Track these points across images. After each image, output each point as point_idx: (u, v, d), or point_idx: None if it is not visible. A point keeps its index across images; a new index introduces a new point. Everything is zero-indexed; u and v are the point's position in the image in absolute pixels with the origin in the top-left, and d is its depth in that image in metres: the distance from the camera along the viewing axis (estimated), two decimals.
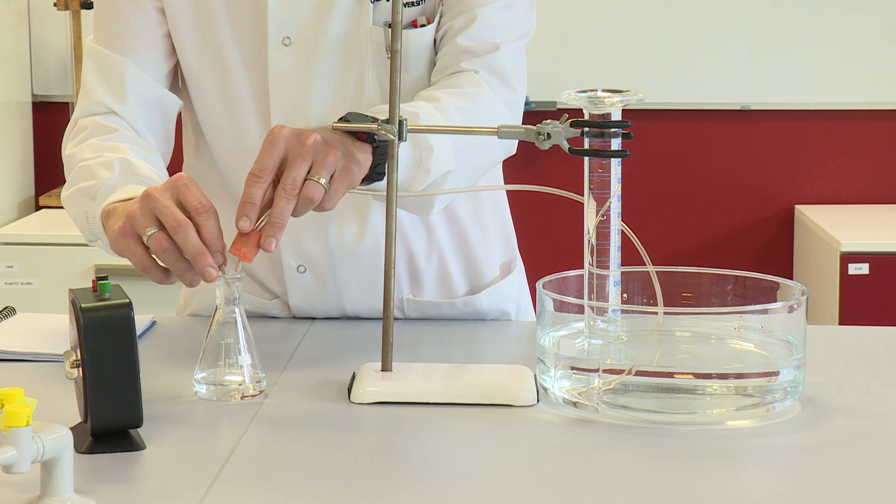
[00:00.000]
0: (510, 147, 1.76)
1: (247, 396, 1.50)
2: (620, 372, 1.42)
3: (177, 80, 1.84)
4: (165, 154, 1.82)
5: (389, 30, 1.74)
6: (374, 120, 1.55)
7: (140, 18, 1.78)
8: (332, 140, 1.51)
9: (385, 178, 1.55)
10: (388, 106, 1.61)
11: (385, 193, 1.56)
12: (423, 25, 1.75)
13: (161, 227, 1.46)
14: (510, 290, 1.91)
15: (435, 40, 1.77)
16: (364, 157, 1.54)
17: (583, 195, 1.47)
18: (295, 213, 1.48)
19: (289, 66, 1.75)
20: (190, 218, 1.46)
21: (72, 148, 1.75)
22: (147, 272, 1.49)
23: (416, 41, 1.75)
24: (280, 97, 1.76)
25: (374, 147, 1.54)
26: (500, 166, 1.94)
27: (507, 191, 1.97)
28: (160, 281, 1.50)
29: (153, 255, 1.49)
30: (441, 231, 1.86)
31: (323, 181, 1.47)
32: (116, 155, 1.67)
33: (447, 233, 1.87)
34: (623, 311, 1.48)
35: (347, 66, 1.75)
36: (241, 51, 1.77)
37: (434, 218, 1.85)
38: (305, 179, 1.47)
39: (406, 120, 1.51)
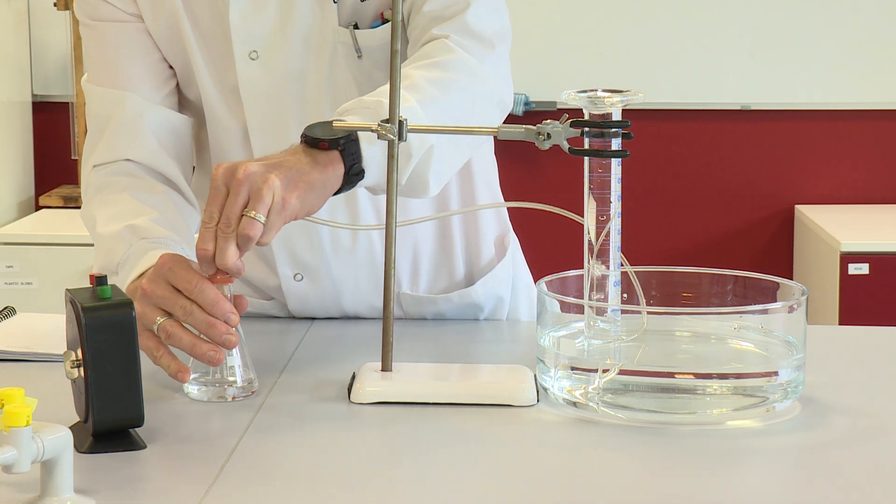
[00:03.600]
0: (503, 103, 1.70)
1: (238, 397, 1.50)
2: (620, 372, 1.42)
3: (181, 97, 1.84)
4: (188, 171, 1.82)
5: (356, 31, 1.72)
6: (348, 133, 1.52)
7: (132, 48, 1.78)
8: (274, 165, 1.48)
9: (365, 177, 1.53)
10: (352, 104, 1.57)
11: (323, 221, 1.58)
12: (387, 21, 1.71)
13: (166, 314, 1.48)
14: (504, 274, 1.90)
15: (403, 19, 1.73)
16: (330, 171, 1.50)
17: (582, 197, 1.47)
18: (240, 249, 1.45)
19: (259, 80, 1.74)
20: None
21: (86, 207, 1.78)
22: (159, 362, 1.49)
23: (382, 38, 1.72)
24: (255, 112, 1.75)
25: (340, 151, 1.51)
26: (495, 167, 1.93)
27: (502, 188, 1.96)
28: (173, 371, 1.48)
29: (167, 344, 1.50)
30: (432, 210, 1.85)
31: (260, 217, 1.44)
32: (124, 223, 1.68)
33: (437, 210, 1.86)
34: (623, 311, 1.48)
35: (319, 71, 1.74)
36: (211, 69, 1.76)
37: (425, 202, 1.83)
38: (243, 215, 1.45)
39: (406, 120, 1.50)
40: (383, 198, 1.58)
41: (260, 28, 1.73)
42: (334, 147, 1.51)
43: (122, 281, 1.62)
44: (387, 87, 1.57)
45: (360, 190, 1.74)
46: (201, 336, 1.47)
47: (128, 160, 1.78)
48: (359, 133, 1.53)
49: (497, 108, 1.70)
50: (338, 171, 1.51)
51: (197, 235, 1.50)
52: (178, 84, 1.82)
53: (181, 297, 1.48)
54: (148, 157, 1.78)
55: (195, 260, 1.50)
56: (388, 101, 1.55)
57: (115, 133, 1.78)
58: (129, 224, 1.67)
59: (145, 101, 1.78)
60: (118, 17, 1.77)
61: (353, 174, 1.52)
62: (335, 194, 1.53)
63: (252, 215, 1.44)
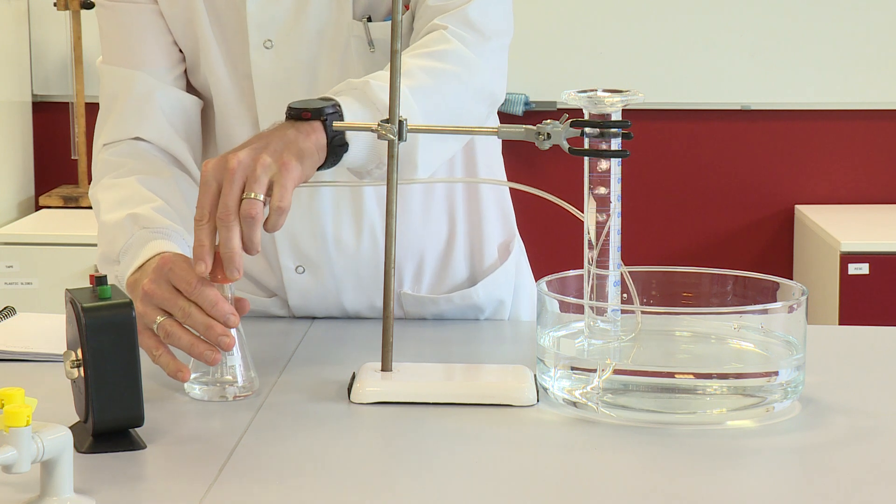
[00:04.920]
0: (493, 97, 1.70)
1: (239, 397, 1.50)
2: (620, 372, 1.42)
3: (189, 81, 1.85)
4: (197, 152, 1.83)
5: (370, 23, 1.73)
6: (327, 101, 1.52)
7: (146, 29, 1.79)
8: (261, 146, 1.48)
9: (349, 150, 1.53)
10: (341, 86, 1.58)
11: (329, 181, 1.57)
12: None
13: (167, 314, 1.49)
14: (505, 277, 1.91)
15: (412, 11, 1.74)
16: (314, 139, 1.50)
17: (583, 198, 1.47)
18: (245, 236, 1.45)
19: (272, 69, 1.75)
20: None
21: (93, 188, 1.79)
22: (158, 361, 1.49)
23: None
24: (266, 100, 1.76)
25: (322, 121, 1.51)
26: (501, 164, 1.94)
27: (504, 183, 1.96)
28: (173, 370, 1.48)
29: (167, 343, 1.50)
30: (438, 214, 1.86)
31: (260, 196, 1.44)
32: (126, 211, 1.68)
33: (444, 214, 1.86)
34: (623, 311, 1.48)
35: (331, 63, 1.75)
36: (225, 56, 1.77)
37: (428, 197, 1.83)
38: (242, 200, 1.45)
39: (406, 120, 1.50)
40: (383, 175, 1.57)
41: (275, 17, 1.74)
42: (317, 117, 1.51)
43: (122, 271, 1.62)
44: (381, 72, 1.58)
45: (365, 186, 1.75)
46: (200, 336, 1.47)
47: (137, 139, 1.79)
48: (343, 106, 1.53)
49: (486, 102, 1.71)
50: (320, 140, 1.51)
51: None
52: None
53: (181, 298, 1.48)
54: (158, 137, 1.78)
55: None
56: (375, 81, 1.56)
57: (126, 111, 1.79)
58: (131, 213, 1.67)
59: (156, 81, 1.79)
60: None
61: (336, 145, 1.52)
62: (321, 168, 1.53)
63: (252, 196, 1.45)
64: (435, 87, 1.62)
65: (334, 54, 1.75)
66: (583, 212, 1.48)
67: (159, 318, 1.48)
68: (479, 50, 1.69)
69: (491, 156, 1.91)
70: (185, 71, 1.83)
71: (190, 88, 1.85)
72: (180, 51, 1.82)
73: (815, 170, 4.11)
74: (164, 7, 1.79)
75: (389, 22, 1.73)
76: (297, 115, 1.52)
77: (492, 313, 1.89)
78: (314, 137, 1.51)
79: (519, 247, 1.96)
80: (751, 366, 1.49)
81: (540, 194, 1.55)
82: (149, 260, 1.58)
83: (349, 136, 1.54)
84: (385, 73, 1.58)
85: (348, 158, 1.55)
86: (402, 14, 1.60)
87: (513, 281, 1.92)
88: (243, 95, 1.78)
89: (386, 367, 1.51)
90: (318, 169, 1.53)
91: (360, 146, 1.55)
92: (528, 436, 1.39)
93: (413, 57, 1.65)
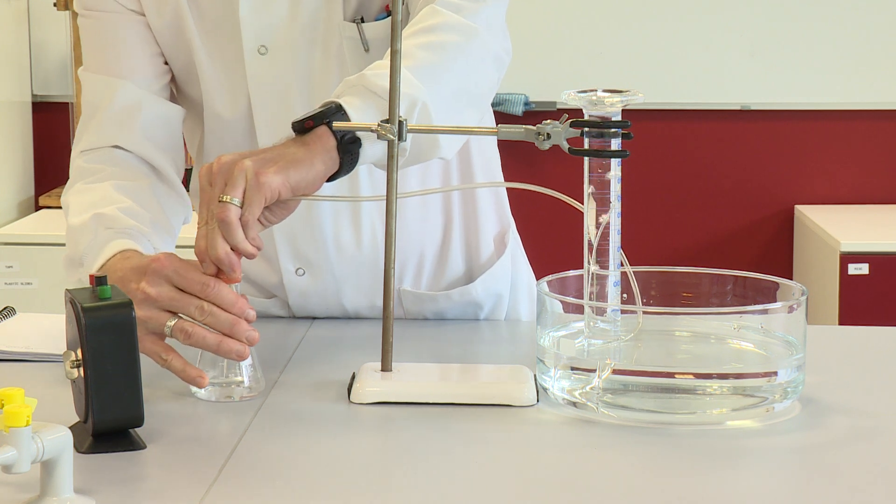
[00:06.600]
0: (499, 58, 1.67)
1: (245, 397, 1.50)
2: (620, 372, 1.42)
3: (181, 97, 1.84)
4: (179, 162, 1.81)
5: (363, 24, 1.72)
6: (328, 104, 1.50)
7: (128, 38, 1.78)
8: (249, 153, 1.46)
9: (363, 145, 1.50)
10: (339, 88, 1.55)
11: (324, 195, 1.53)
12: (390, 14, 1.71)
13: (175, 316, 1.46)
14: (503, 272, 1.90)
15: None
16: (321, 146, 1.47)
17: (583, 197, 1.47)
18: (227, 240, 1.43)
19: (268, 75, 1.74)
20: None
21: (65, 194, 1.78)
22: (169, 365, 1.46)
23: (387, 30, 1.71)
24: (262, 107, 1.75)
25: (327, 125, 1.48)
26: (499, 164, 1.94)
27: (503, 181, 1.96)
28: (192, 376, 1.45)
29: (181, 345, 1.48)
30: (434, 206, 1.85)
31: (234, 200, 1.43)
32: (92, 211, 1.66)
33: (440, 206, 1.86)
34: (623, 311, 1.48)
35: (326, 66, 1.74)
36: (217, 64, 1.76)
37: (426, 196, 1.83)
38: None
39: (406, 120, 1.50)
40: (383, 176, 1.56)
41: (269, 22, 1.73)
42: (320, 122, 1.49)
43: (85, 273, 1.59)
44: (376, 62, 1.56)
45: (360, 173, 1.74)
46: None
47: (115, 147, 1.77)
48: (345, 105, 1.50)
49: (494, 65, 1.67)
50: (328, 144, 1.48)
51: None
52: (172, 78, 1.82)
53: (194, 298, 1.45)
54: (136, 145, 1.77)
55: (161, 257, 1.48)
56: (370, 71, 1.54)
57: (106, 119, 1.78)
58: (96, 213, 1.65)
59: (138, 90, 1.77)
60: (116, 8, 1.78)
61: (347, 142, 1.49)
62: (344, 173, 1.51)
63: (226, 199, 1.43)
64: (436, 61, 1.59)
65: (328, 57, 1.74)
66: (582, 211, 1.48)
67: (171, 322, 1.46)
68: (473, 16, 1.65)
69: (486, 149, 1.90)
70: (172, 80, 1.82)
71: (185, 102, 1.84)
72: (165, 62, 1.81)
73: (815, 170, 4.11)
74: (153, 19, 1.77)
75: (381, 21, 1.72)
76: (301, 126, 1.49)
77: (491, 308, 1.89)
78: (321, 144, 1.48)
79: (515, 239, 1.96)
80: (751, 366, 1.49)
81: (540, 190, 1.55)
82: (110, 259, 1.56)
83: (361, 132, 1.50)
84: (379, 62, 1.56)
85: (368, 154, 1.52)
86: (401, 14, 1.59)
87: (510, 274, 1.92)
88: (238, 103, 1.77)
89: (386, 367, 1.51)
90: (339, 173, 1.50)
91: (375, 140, 1.51)
92: (528, 436, 1.39)
93: (407, 37, 1.60)
